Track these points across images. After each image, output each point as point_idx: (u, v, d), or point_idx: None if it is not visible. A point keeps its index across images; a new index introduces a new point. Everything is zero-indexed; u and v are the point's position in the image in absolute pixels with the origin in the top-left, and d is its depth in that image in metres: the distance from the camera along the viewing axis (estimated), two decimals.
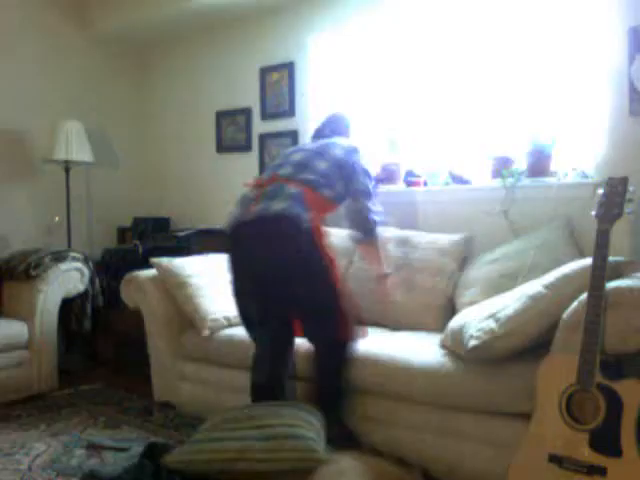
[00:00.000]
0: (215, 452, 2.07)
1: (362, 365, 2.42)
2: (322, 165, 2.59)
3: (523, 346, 2.06)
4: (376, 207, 2.70)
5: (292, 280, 2.41)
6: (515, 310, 2.09)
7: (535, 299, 2.06)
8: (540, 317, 2.03)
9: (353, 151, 2.70)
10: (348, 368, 2.43)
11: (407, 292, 2.86)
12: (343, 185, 2.63)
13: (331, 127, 2.96)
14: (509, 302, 2.15)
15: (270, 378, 2.50)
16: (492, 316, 2.13)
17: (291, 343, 2.56)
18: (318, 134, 2.97)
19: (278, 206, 2.40)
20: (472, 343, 2.10)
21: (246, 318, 2.61)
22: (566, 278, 2.05)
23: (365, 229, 2.70)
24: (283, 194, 2.44)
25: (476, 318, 2.19)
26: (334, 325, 2.43)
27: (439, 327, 2.73)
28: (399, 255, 2.99)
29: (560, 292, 2.02)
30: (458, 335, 2.23)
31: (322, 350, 2.48)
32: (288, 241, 2.38)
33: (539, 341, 2.03)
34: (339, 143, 2.73)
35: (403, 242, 3.04)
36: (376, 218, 2.68)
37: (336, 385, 2.44)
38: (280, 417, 2.18)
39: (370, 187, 2.68)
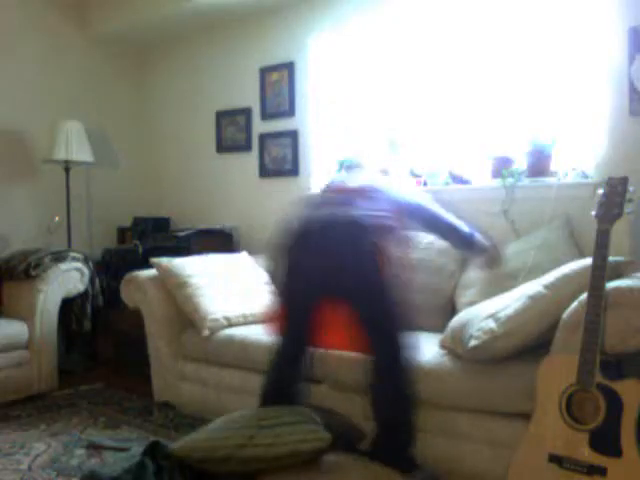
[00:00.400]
0: (221, 439, 2.08)
1: (362, 364, 2.41)
2: (398, 195, 2.51)
3: (523, 346, 2.06)
4: (455, 221, 2.54)
5: (345, 276, 2.26)
6: (515, 310, 2.09)
7: (535, 299, 2.07)
8: (540, 317, 2.04)
9: (409, 193, 2.60)
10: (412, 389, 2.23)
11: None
12: (401, 221, 2.49)
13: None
14: (509, 302, 2.15)
15: (287, 384, 2.42)
16: (492, 316, 2.13)
17: (305, 346, 2.46)
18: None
19: (350, 212, 2.31)
20: (472, 343, 2.10)
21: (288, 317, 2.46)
22: (566, 278, 2.06)
23: (468, 246, 2.56)
24: (356, 206, 2.35)
25: (476, 318, 2.19)
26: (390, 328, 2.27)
27: (439, 327, 2.74)
28: (398, 255, 2.99)
29: (560, 292, 2.03)
30: (458, 335, 2.23)
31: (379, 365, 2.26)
32: (354, 241, 2.26)
33: (539, 341, 2.04)
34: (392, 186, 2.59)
35: (409, 243, 3.04)
36: (466, 230, 2.52)
37: (405, 413, 2.22)
38: (280, 412, 2.20)
39: (436, 214, 2.54)
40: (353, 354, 2.41)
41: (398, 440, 2.22)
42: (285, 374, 2.44)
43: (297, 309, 2.41)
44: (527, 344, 2.06)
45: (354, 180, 2.65)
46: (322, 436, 2.08)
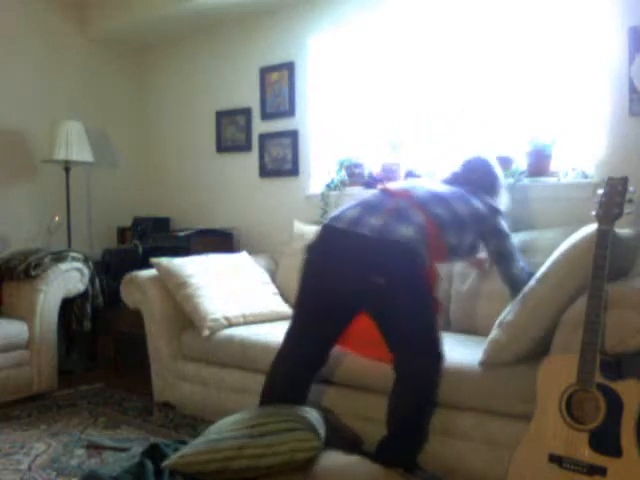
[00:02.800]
0: (212, 452, 2.06)
1: (361, 363, 2.42)
2: (461, 208, 2.30)
3: (532, 347, 2.07)
4: (520, 264, 2.38)
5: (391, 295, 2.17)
6: (514, 314, 2.10)
7: (530, 298, 2.07)
8: (538, 315, 2.04)
9: (495, 211, 2.41)
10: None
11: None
12: (472, 241, 2.36)
13: (469, 176, 2.54)
14: (513, 304, 2.16)
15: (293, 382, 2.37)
16: (500, 324, 2.15)
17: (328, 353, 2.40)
18: (453, 179, 2.54)
19: (401, 231, 2.15)
20: (482, 357, 2.14)
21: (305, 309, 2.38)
22: (555, 265, 2.04)
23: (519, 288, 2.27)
24: (408, 219, 2.19)
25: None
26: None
27: (440, 327, 2.75)
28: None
29: (552, 282, 2.02)
30: None
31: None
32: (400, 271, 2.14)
33: (547, 340, 2.02)
34: (481, 199, 2.41)
35: None
36: (525, 277, 2.29)
37: (421, 418, 2.23)
38: (273, 415, 2.18)
39: (513, 250, 2.39)
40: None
41: (408, 444, 2.21)
42: (299, 375, 2.39)
43: (334, 312, 2.31)
44: (535, 344, 2.06)
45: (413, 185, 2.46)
46: (315, 445, 2.05)
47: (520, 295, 2.14)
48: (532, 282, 2.11)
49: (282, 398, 2.33)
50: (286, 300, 3.21)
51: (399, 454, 2.19)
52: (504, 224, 2.40)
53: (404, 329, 2.19)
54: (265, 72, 4.04)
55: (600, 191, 1.98)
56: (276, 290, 3.32)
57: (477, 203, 2.37)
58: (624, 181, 1.95)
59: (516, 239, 2.73)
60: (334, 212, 2.39)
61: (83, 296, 3.70)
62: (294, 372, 2.38)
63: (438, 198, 2.32)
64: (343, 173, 3.65)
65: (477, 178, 2.53)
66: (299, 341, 2.38)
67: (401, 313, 2.17)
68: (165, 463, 2.10)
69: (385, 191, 2.38)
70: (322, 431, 2.17)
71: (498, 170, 2.64)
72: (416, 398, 2.20)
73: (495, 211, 2.41)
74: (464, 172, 2.56)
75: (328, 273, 2.27)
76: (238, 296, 3.11)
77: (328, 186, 3.71)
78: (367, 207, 2.28)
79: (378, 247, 2.15)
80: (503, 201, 2.59)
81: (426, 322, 2.20)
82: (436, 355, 2.19)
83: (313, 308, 2.36)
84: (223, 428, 2.19)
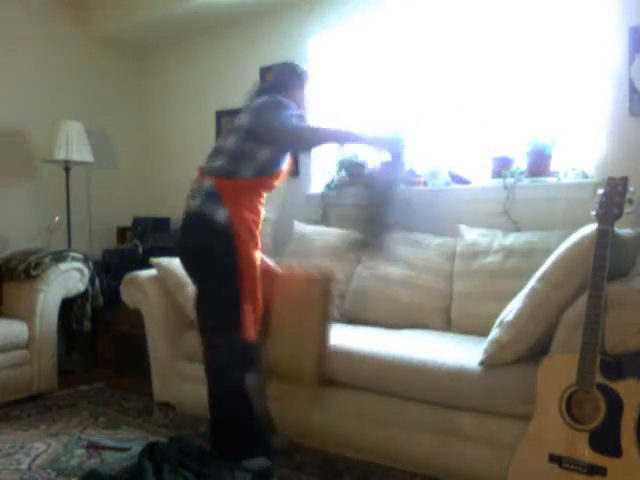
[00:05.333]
0: None
1: (361, 363, 2.42)
2: (230, 142, 2.33)
3: (532, 347, 2.07)
4: (289, 121, 2.29)
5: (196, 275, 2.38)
6: (514, 314, 2.10)
7: (530, 297, 2.07)
8: (538, 315, 2.04)
9: (264, 107, 2.34)
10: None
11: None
12: (271, 148, 2.32)
13: (270, 88, 2.52)
14: (514, 304, 2.16)
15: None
16: (500, 324, 2.15)
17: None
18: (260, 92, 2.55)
19: (194, 203, 2.29)
20: (482, 357, 2.14)
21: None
22: (555, 265, 2.04)
23: (305, 144, 2.39)
24: (200, 191, 2.29)
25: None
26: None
27: (441, 327, 2.75)
28: (408, 255, 3.01)
29: (553, 281, 2.02)
30: None
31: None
32: (199, 240, 2.29)
33: (547, 340, 2.02)
34: (255, 104, 2.39)
35: (412, 243, 3.05)
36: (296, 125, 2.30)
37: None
38: None
39: (292, 120, 2.29)
40: None
41: (224, 439, 2.33)
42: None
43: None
44: (536, 344, 2.06)
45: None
46: None
47: (522, 296, 2.14)
48: (533, 282, 2.11)
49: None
50: None
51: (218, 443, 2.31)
52: (276, 109, 2.31)
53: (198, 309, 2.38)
54: (266, 72, 4.03)
55: (600, 191, 1.97)
56: None
57: (242, 118, 2.38)
58: (624, 181, 1.94)
59: (516, 239, 2.75)
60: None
61: (83, 296, 3.70)
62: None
63: (215, 151, 2.39)
64: (343, 173, 3.65)
65: (274, 81, 2.59)
66: None
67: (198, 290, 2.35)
68: None
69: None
70: None
71: (293, 67, 2.61)
72: (212, 386, 2.33)
73: (264, 105, 2.35)
74: (269, 80, 2.64)
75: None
76: None
77: (328, 186, 3.71)
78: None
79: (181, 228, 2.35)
80: (296, 97, 2.51)
81: (215, 305, 2.29)
82: (220, 344, 2.26)
83: None
84: None
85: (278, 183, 2.44)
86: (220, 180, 2.28)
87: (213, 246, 2.26)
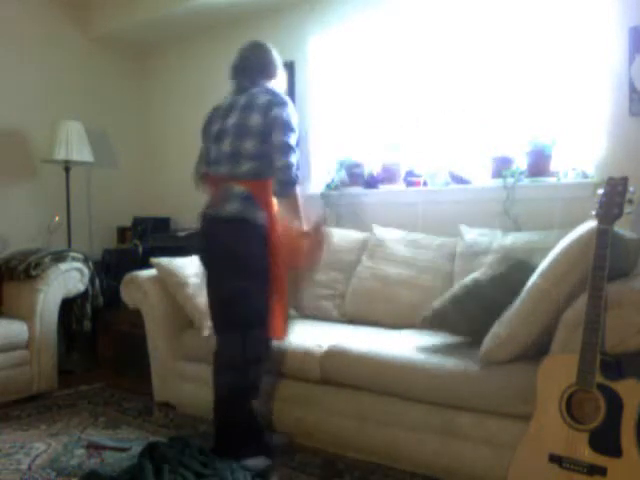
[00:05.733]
0: None
1: (361, 363, 2.42)
2: (249, 146, 2.41)
3: (530, 344, 2.06)
4: (293, 161, 2.42)
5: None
6: (514, 310, 2.10)
7: (530, 293, 2.07)
8: (539, 313, 2.04)
9: (274, 106, 2.41)
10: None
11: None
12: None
13: (251, 73, 2.59)
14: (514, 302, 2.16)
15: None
16: (500, 320, 2.14)
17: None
18: (237, 86, 2.62)
19: (231, 207, 2.39)
20: (481, 351, 2.14)
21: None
22: (556, 262, 2.04)
23: (282, 185, 2.42)
24: (233, 195, 2.40)
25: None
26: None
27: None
28: (408, 255, 3.01)
29: (553, 278, 2.02)
30: None
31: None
32: (240, 241, 2.39)
33: (547, 339, 2.02)
34: (259, 103, 2.44)
35: (412, 243, 3.06)
36: (294, 174, 2.42)
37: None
38: None
39: (289, 141, 2.40)
40: None
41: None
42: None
43: None
44: (535, 341, 2.06)
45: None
46: None
47: (523, 292, 2.14)
48: (533, 278, 2.10)
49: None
50: None
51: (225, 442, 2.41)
52: (285, 115, 2.40)
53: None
54: None
55: (600, 191, 1.97)
56: None
57: (253, 119, 2.42)
58: (624, 181, 1.94)
59: (516, 239, 2.75)
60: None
61: (83, 296, 3.70)
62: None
63: (234, 156, 2.44)
64: (343, 173, 3.65)
65: (253, 63, 2.61)
66: None
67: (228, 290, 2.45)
68: None
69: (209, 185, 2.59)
70: None
71: (270, 51, 2.69)
72: (228, 384, 2.46)
73: (274, 105, 2.41)
74: (241, 61, 2.64)
75: None
76: None
77: (328, 186, 3.71)
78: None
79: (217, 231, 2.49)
80: (280, 81, 2.66)
81: (250, 303, 2.41)
82: (251, 341, 2.41)
83: None
84: None
85: None
86: (252, 183, 2.41)
87: (253, 247, 2.39)
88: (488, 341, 2.13)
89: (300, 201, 2.47)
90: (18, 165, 4.17)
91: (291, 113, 2.44)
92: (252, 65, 2.60)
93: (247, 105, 2.47)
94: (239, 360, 2.40)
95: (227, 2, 3.84)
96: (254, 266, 2.39)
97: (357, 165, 3.62)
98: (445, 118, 3.38)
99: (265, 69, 2.62)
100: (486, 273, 2.38)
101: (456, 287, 2.45)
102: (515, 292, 2.16)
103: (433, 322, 2.43)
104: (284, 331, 2.53)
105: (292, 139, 2.41)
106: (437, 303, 2.44)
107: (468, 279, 2.42)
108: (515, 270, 2.31)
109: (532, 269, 2.17)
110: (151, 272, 3.22)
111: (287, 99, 2.48)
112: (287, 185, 2.40)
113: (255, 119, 2.42)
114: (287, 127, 2.40)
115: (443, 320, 2.40)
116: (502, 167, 3.04)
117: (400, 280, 2.95)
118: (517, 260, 2.37)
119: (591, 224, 1.96)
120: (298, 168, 2.44)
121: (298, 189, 2.45)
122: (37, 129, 4.17)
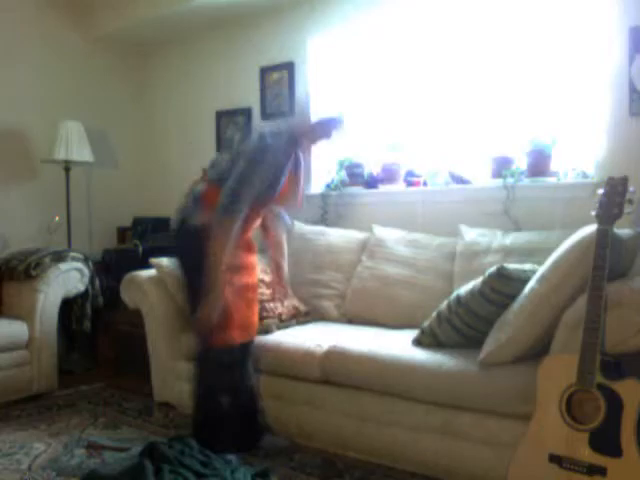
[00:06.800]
0: None
1: (361, 363, 2.42)
2: (226, 157, 2.67)
3: (530, 347, 2.07)
4: (237, 190, 2.43)
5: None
6: (514, 314, 2.10)
7: (530, 298, 2.07)
8: (539, 316, 2.04)
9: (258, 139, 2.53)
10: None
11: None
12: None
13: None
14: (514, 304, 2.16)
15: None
16: (500, 323, 2.14)
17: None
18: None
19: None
20: (481, 355, 2.13)
21: None
22: (555, 266, 2.04)
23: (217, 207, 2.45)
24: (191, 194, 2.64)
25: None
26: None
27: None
28: (408, 255, 3.01)
29: (552, 283, 2.02)
30: None
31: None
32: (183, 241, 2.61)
33: (547, 340, 2.02)
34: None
35: (412, 243, 3.05)
36: (228, 202, 2.42)
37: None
38: None
39: (246, 171, 2.44)
40: None
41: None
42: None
43: None
44: (535, 343, 2.06)
45: None
46: None
47: (522, 297, 2.14)
48: (532, 282, 2.11)
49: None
50: None
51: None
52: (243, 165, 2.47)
53: None
54: (265, 72, 4.04)
55: (600, 191, 1.97)
56: None
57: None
58: (624, 181, 1.94)
59: (516, 239, 2.75)
60: None
61: (83, 296, 3.70)
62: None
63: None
64: (343, 173, 3.65)
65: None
66: None
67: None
68: None
69: None
70: None
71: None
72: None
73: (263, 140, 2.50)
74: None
75: None
76: None
77: (328, 186, 3.71)
78: None
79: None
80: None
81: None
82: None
83: None
84: None
85: None
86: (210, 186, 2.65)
87: (190, 249, 2.62)
88: (488, 345, 2.13)
89: (230, 233, 2.41)
90: (18, 165, 4.17)
91: (262, 149, 2.48)
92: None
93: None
94: (204, 367, 2.57)
95: (227, 2, 3.84)
96: (190, 268, 2.55)
97: (357, 165, 3.62)
98: (445, 118, 3.38)
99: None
100: (466, 289, 2.36)
101: (443, 304, 2.45)
102: (494, 302, 2.19)
103: (424, 342, 2.43)
104: (243, 335, 2.55)
105: (252, 172, 2.43)
106: (425, 324, 2.45)
107: (452, 296, 2.42)
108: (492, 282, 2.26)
109: (515, 279, 2.18)
110: (151, 272, 3.22)
111: (273, 143, 2.50)
112: (218, 209, 2.42)
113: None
114: (252, 160, 2.45)
115: (434, 338, 2.40)
116: (502, 167, 3.04)
117: (400, 280, 2.95)
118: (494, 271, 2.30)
119: (591, 228, 1.96)
120: (238, 202, 2.40)
121: (229, 221, 2.40)
122: (37, 129, 4.17)
